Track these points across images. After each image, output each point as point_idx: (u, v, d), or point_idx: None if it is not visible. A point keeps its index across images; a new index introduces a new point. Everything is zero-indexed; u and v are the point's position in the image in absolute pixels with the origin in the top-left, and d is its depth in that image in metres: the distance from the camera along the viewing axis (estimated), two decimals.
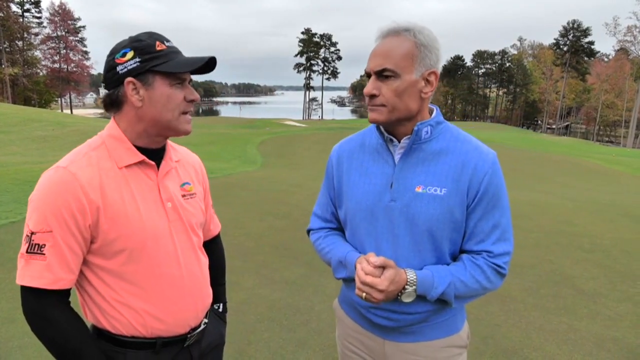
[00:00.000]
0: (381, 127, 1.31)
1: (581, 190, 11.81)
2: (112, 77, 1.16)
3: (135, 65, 1.14)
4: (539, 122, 71.77)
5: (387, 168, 1.30)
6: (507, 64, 73.30)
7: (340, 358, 1.55)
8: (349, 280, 1.38)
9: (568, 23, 64.63)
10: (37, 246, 1.08)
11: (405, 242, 1.27)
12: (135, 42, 1.16)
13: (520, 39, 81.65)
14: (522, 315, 3.59)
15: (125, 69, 1.14)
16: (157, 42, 1.16)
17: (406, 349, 1.35)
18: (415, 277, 1.20)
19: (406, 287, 1.19)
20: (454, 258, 1.32)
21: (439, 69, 1.25)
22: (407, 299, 1.20)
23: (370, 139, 1.38)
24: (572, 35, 64.44)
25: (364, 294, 1.18)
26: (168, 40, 1.20)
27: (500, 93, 77.83)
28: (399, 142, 1.28)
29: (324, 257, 1.46)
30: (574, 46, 63.95)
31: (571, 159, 20.94)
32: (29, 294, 1.11)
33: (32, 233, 1.09)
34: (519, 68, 70.62)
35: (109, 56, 1.18)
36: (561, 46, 65.64)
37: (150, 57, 1.14)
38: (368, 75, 1.24)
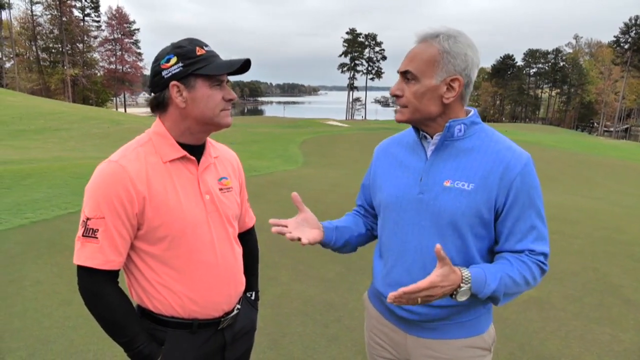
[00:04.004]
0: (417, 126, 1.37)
1: (635, 197, 11.13)
2: (158, 82, 1.28)
3: (178, 69, 1.25)
4: (595, 124, 67.92)
5: (419, 162, 1.35)
6: (561, 63, 69.87)
7: (366, 348, 1.61)
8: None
9: (630, 19, 60.60)
10: (91, 230, 1.22)
11: (431, 234, 1.30)
12: (177, 48, 1.26)
13: (576, 37, 77.32)
14: (562, 323, 3.49)
15: (170, 74, 1.25)
16: (197, 48, 1.27)
17: (427, 344, 1.38)
18: (469, 274, 1.19)
19: (462, 285, 1.18)
20: (482, 257, 1.33)
21: (467, 76, 1.26)
22: (462, 297, 1.20)
23: (408, 136, 1.45)
24: (634, 32, 60.40)
25: (419, 299, 1.16)
26: (207, 45, 1.30)
27: (553, 94, 74.33)
28: (432, 138, 1.33)
29: None
30: (637, 44, 59.92)
31: (628, 163, 19.72)
32: (83, 272, 1.25)
33: (88, 219, 1.23)
34: (574, 67, 67.16)
35: (154, 62, 1.30)
36: (622, 44, 61.66)
37: (191, 61, 1.25)
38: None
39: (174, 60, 1.25)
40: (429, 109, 1.27)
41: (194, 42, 1.28)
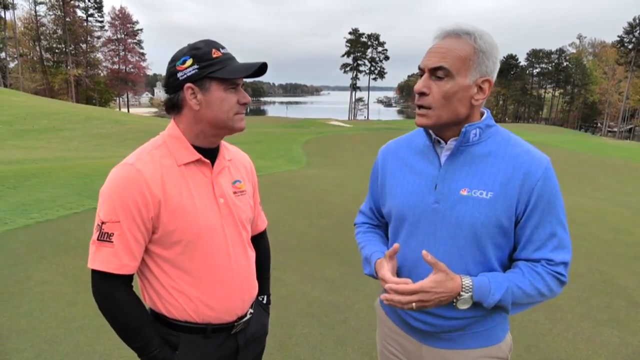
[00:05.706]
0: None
1: None
2: (172, 83, 1.27)
3: (193, 72, 1.23)
4: (599, 124, 67.68)
5: (432, 169, 1.28)
6: (565, 63, 69.70)
7: (379, 357, 1.57)
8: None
9: (634, 19, 60.29)
10: (106, 234, 1.21)
11: (448, 245, 1.24)
12: (193, 50, 1.25)
13: (579, 37, 76.89)
14: (570, 325, 3.47)
15: (185, 75, 1.24)
16: (214, 50, 1.25)
17: (443, 355, 1.33)
18: (471, 282, 1.16)
19: (462, 293, 1.15)
20: (502, 265, 1.28)
21: (494, 78, 1.21)
22: (462, 305, 1.17)
23: (417, 140, 1.37)
24: (638, 32, 60.16)
25: (414, 304, 1.15)
26: (223, 47, 1.29)
27: (557, 94, 74.19)
28: (446, 143, 1.26)
29: (360, 251, 1.50)
30: None
31: (631, 163, 19.64)
32: (98, 276, 1.24)
33: (103, 223, 1.21)
34: (577, 67, 66.97)
35: (170, 63, 1.28)
36: (626, 44, 61.35)
37: (207, 64, 1.23)
38: (422, 72, 1.22)
39: (189, 62, 1.24)
40: (457, 109, 1.19)
41: (210, 44, 1.27)
